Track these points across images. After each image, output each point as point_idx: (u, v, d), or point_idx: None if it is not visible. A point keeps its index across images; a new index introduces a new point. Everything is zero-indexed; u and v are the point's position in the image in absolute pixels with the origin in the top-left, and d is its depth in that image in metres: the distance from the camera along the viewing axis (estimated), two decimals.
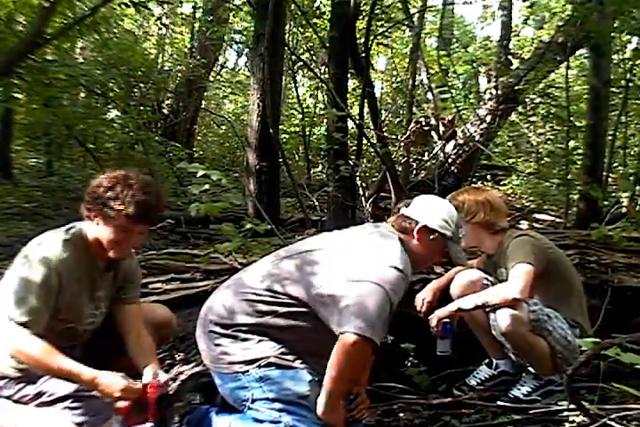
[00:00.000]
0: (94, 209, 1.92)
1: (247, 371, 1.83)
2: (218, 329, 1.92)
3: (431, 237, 2.00)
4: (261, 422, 1.79)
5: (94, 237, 1.97)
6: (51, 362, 1.80)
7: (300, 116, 9.84)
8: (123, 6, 6.61)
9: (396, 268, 1.82)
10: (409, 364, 2.64)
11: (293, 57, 7.92)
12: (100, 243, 1.96)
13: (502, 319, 2.33)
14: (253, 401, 1.82)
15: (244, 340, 1.87)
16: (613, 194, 6.91)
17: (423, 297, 2.59)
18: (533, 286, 2.37)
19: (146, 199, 1.90)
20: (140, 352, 2.01)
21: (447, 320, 2.40)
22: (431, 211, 2.03)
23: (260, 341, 1.87)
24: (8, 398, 1.87)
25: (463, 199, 2.56)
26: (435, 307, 2.53)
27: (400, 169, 7.25)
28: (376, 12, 6.77)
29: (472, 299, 2.40)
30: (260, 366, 1.83)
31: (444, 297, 2.58)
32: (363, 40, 6.33)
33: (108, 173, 1.97)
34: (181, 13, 11.77)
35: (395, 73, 11.84)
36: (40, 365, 1.81)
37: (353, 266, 1.85)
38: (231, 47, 13.37)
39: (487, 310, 2.45)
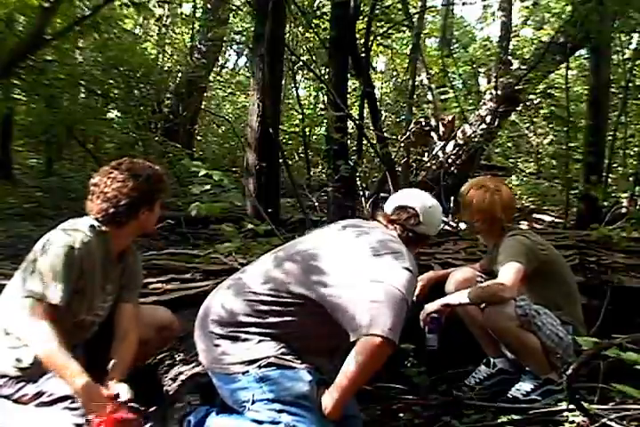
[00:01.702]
0: (144, 205, 2.02)
1: (247, 371, 1.82)
2: (217, 330, 1.91)
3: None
4: (261, 423, 1.78)
5: (132, 230, 2.06)
6: (58, 356, 1.80)
7: (300, 116, 9.84)
8: (123, 6, 6.62)
9: (408, 269, 1.85)
10: (409, 364, 2.64)
11: (293, 57, 7.92)
12: (119, 235, 2.03)
13: (490, 316, 2.37)
14: (253, 402, 1.81)
15: (245, 340, 1.87)
16: (613, 194, 6.92)
17: (419, 282, 2.62)
18: (524, 286, 2.38)
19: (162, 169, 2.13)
20: (116, 359, 2.00)
21: (435, 315, 2.41)
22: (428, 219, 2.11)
23: (260, 341, 1.86)
24: (7, 397, 1.87)
25: (475, 196, 2.56)
26: (423, 296, 2.57)
27: (400, 169, 7.25)
28: (376, 12, 6.77)
29: (461, 295, 2.42)
30: (260, 367, 1.82)
31: (436, 292, 2.61)
32: (363, 41, 6.34)
33: (122, 173, 2.00)
34: (181, 13, 11.78)
35: (395, 73, 11.85)
36: (40, 347, 1.82)
37: (366, 266, 1.85)
38: (231, 48, 13.38)
39: (481, 306, 2.47)
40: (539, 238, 2.59)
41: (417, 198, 2.16)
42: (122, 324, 2.10)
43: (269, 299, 1.88)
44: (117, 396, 1.82)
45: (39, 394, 1.84)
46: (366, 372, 1.74)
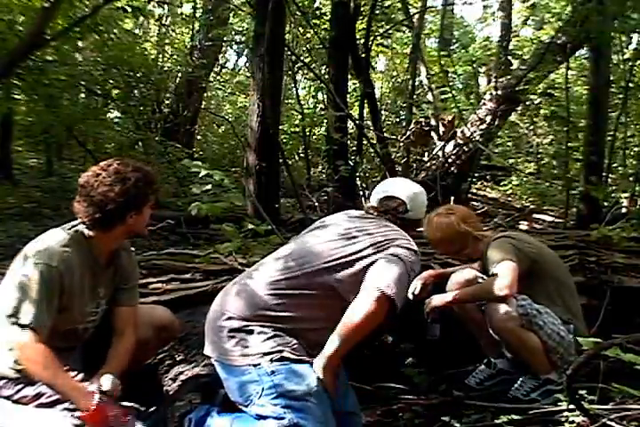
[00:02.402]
0: (131, 209, 1.96)
1: (259, 364, 1.83)
2: (233, 323, 1.92)
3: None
4: (265, 418, 1.79)
5: (120, 233, 2.00)
6: (52, 374, 1.81)
7: (300, 116, 9.85)
8: (121, 10, 6.63)
9: (409, 248, 1.97)
10: (409, 364, 2.64)
11: (293, 57, 7.93)
12: (105, 239, 1.99)
13: (492, 315, 2.38)
14: (261, 396, 1.81)
15: (260, 333, 1.88)
16: (613, 194, 6.92)
17: (419, 281, 2.66)
18: (519, 285, 2.38)
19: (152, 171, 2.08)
20: (109, 355, 2.01)
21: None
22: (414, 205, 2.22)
23: (274, 335, 1.88)
24: (7, 398, 1.87)
25: (441, 236, 2.59)
26: (427, 294, 2.61)
27: (400, 169, 7.25)
28: (376, 12, 6.78)
29: (465, 292, 2.48)
30: (272, 360, 1.83)
31: (436, 292, 2.64)
32: (363, 41, 6.35)
33: (110, 176, 1.94)
34: (181, 13, 11.77)
35: (395, 73, 11.84)
36: (40, 374, 1.81)
37: (375, 245, 1.95)
38: (231, 48, 13.37)
39: (482, 308, 2.49)
40: (525, 237, 2.61)
41: (400, 187, 2.25)
42: (119, 326, 2.09)
43: (287, 292, 1.92)
44: (101, 387, 1.83)
45: (38, 395, 1.84)
46: (363, 327, 1.80)
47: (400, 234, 2.04)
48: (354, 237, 2.01)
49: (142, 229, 2.07)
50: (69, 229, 1.99)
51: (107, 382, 1.86)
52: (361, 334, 1.82)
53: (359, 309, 1.79)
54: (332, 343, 1.82)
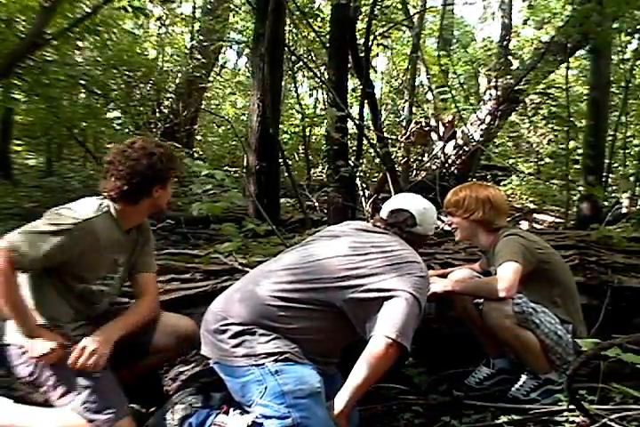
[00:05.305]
0: (157, 183, 2.06)
1: (263, 364, 1.84)
2: (235, 327, 1.92)
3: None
4: (268, 418, 1.80)
5: (146, 207, 2.10)
6: (10, 295, 1.85)
7: (300, 116, 9.84)
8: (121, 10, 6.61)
9: (421, 276, 1.97)
10: (409, 364, 2.64)
11: (293, 57, 7.92)
12: (132, 212, 2.08)
13: (488, 313, 2.38)
14: (264, 395, 1.82)
15: (262, 335, 1.89)
16: (613, 194, 6.92)
17: None
18: (522, 285, 2.38)
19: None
20: (122, 314, 2.10)
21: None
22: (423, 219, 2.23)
23: (277, 338, 1.89)
24: (24, 377, 1.91)
25: (464, 195, 2.60)
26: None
27: (400, 169, 7.25)
28: (376, 12, 6.77)
29: (466, 285, 2.51)
30: (276, 360, 1.84)
31: None
32: (363, 40, 6.34)
33: (136, 151, 2.04)
34: (181, 13, 11.78)
35: (395, 73, 11.84)
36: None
37: (383, 273, 1.94)
38: (231, 47, 13.36)
39: (479, 307, 2.50)
40: (534, 237, 2.59)
41: (410, 201, 2.27)
42: (137, 292, 2.22)
43: (293, 305, 1.92)
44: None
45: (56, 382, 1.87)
46: (376, 372, 1.84)
47: (413, 255, 2.03)
48: (368, 253, 2.00)
49: (164, 204, 2.17)
50: (101, 199, 2.07)
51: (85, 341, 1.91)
52: (374, 379, 1.87)
53: (372, 357, 1.82)
54: (348, 389, 1.85)
